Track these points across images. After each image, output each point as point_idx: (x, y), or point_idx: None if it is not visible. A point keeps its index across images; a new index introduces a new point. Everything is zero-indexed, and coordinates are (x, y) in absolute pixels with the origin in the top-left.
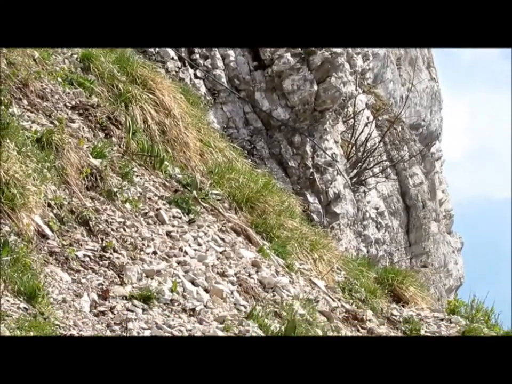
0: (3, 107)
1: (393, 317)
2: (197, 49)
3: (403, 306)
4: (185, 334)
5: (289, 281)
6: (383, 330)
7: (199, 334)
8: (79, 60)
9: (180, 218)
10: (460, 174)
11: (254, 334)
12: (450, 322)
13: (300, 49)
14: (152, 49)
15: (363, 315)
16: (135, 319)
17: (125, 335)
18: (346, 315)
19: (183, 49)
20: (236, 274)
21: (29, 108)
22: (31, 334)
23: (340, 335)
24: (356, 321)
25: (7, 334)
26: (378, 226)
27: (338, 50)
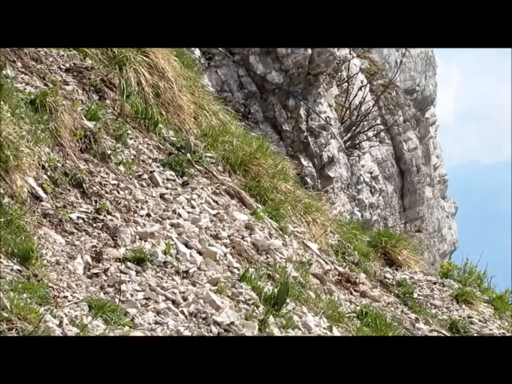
0: None
1: (386, 280)
2: None
3: (396, 269)
4: (179, 296)
5: (283, 243)
6: (376, 293)
7: (192, 296)
8: None
9: (174, 180)
10: (451, 139)
11: (247, 296)
12: (443, 286)
13: None
14: None
15: (356, 278)
16: (129, 281)
17: (118, 297)
18: (339, 278)
19: None
20: (229, 236)
21: (23, 70)
22: (24, 295)
23: (333, 297)
24: (349, 284)
25: (1, 295)
26: (373, 190)
27: None
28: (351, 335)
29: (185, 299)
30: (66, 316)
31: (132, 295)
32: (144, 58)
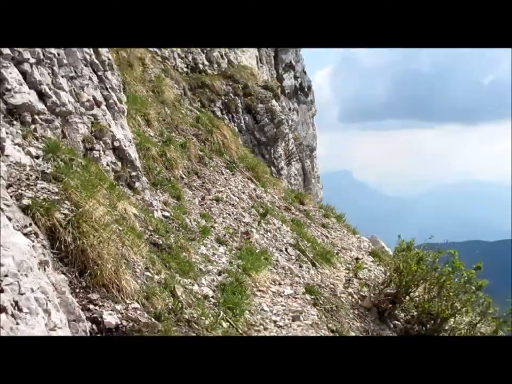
0: (164, 130)
1: (301, 208)
2: (238, 116)
3: (304, 205)
4: (230, 212)
5: (265, 195)
6: (297, 213)
7: (235, 212)
8: (196, 119)
9: (228, 173)
10: (323, 162)
11: (254, 213)
12: (319, 212)
13: (271, 117)
14: (225, 116)
15: (290, 208)
16: (213, 207)
17: (210, 212)
18: (285, 207)
19: (230, 115)
20: (248, 192)
21: (177, 132)
22: (177, 211)
23: (283, 214)
24: (289, 210)
25: (167, 214)
26: (294, 179)
27: (283, 117)
28: (290, 229)
29: (232, 213)
30: (192, 218)
31: (214, 211)
32: (219, 130)
